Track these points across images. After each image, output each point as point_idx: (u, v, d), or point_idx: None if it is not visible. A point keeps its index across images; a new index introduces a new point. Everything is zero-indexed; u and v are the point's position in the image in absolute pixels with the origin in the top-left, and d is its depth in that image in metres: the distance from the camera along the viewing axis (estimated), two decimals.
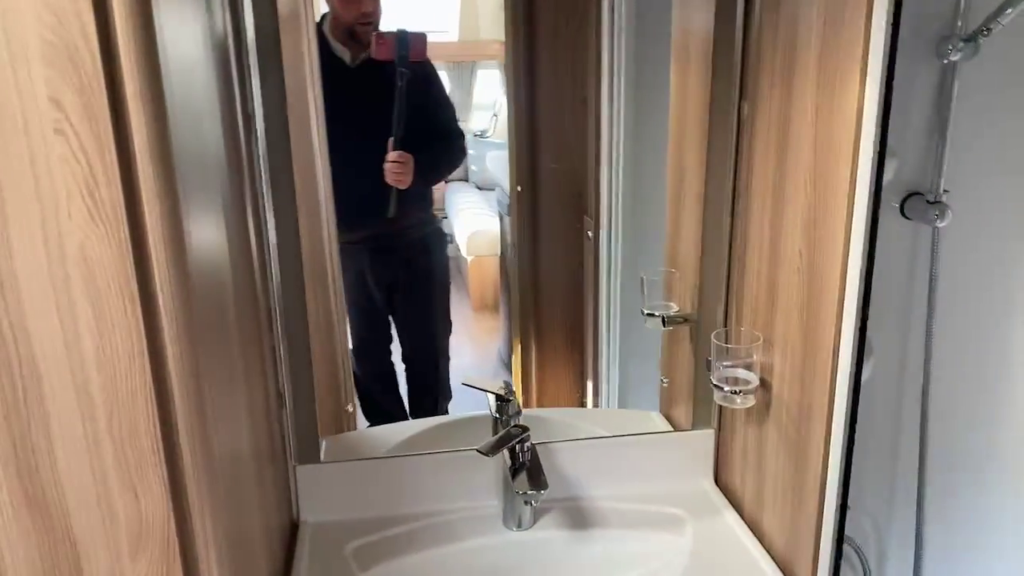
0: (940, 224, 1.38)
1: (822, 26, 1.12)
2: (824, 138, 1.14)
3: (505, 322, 4.10)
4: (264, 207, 1.35)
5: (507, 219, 3.88)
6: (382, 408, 2.79)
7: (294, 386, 1.44)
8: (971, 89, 1.36)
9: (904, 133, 1.40)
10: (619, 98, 2.06)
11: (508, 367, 3.92)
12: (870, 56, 1.04)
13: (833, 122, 1.12)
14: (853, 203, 1.11)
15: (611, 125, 2.09)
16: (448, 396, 2.78)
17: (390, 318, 2.78)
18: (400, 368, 2.82)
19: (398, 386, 2.83)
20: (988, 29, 1.28)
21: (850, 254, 1.12)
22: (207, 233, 0.89)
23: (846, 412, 1.17)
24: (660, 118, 1.71)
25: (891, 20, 1.01)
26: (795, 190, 1.22)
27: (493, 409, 1.46)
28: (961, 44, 1.29)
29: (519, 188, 2.36)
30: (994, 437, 1.63)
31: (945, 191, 1.40)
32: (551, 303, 2.47)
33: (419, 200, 2.62)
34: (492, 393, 1.48)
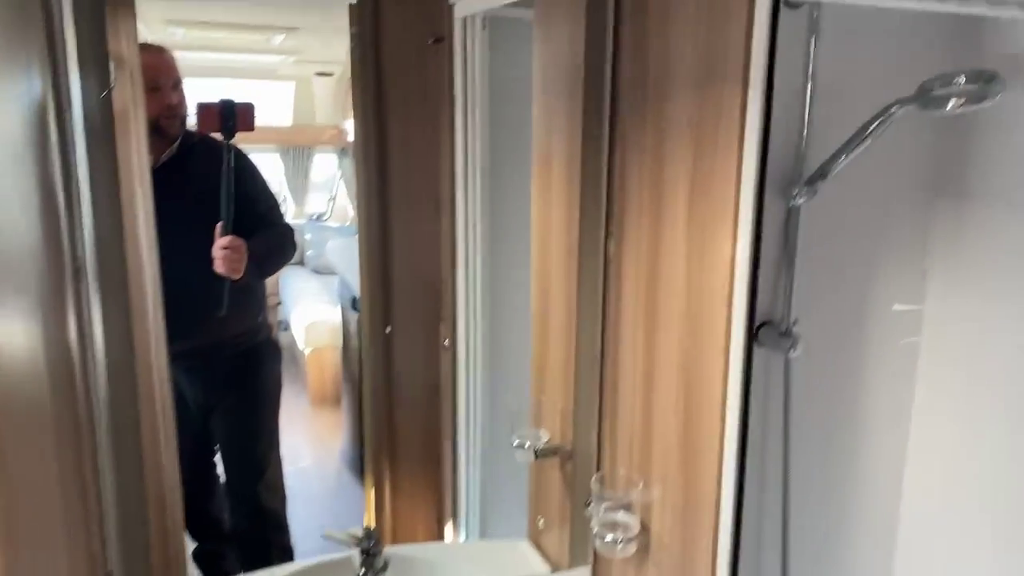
0: (793, 354, 1.46)
1: (691, 169, 1.16)
2: (697, 283, 1.17)
3: (349, 420, 3.86)
4: (89, 309, 1.14)
5: (350, 310, 3.66)
6: (209, 549, 2.48)
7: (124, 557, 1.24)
8: (814, 227, 1.47)
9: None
10: (475, 204, 2.05)
11: (356, 472, 3.64)
12: (741, 206, 1.08)
13: (706, 267, 1.15)
14: (729, 343, 1.13)
15: (467, 231, 2.07)
16: (285, 532, 2.51)
17: (215, 447, 2.46)
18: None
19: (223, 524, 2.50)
20: (825, 173, 1.40)
21: (728, 393, 1.14)
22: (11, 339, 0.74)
23: (729, 553, 1.17)
24: (522, 230, 1.69)
25: (759, 168, 1.07)
26: (668, 330, 1.24)
27: (358, 565, 1.32)
28: (804, 188, 1.40)
29: (369, 285, 2.22)
30: (849, 558, 1.70)
31: (795, 321, 1.48)
32: (407, 412, 2.33)
33: (250, 300, 2.38)
34: (358, 548, 1.34)
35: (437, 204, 2.24)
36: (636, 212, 1.30)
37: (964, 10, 1.15)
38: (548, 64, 1.48)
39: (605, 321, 1.42)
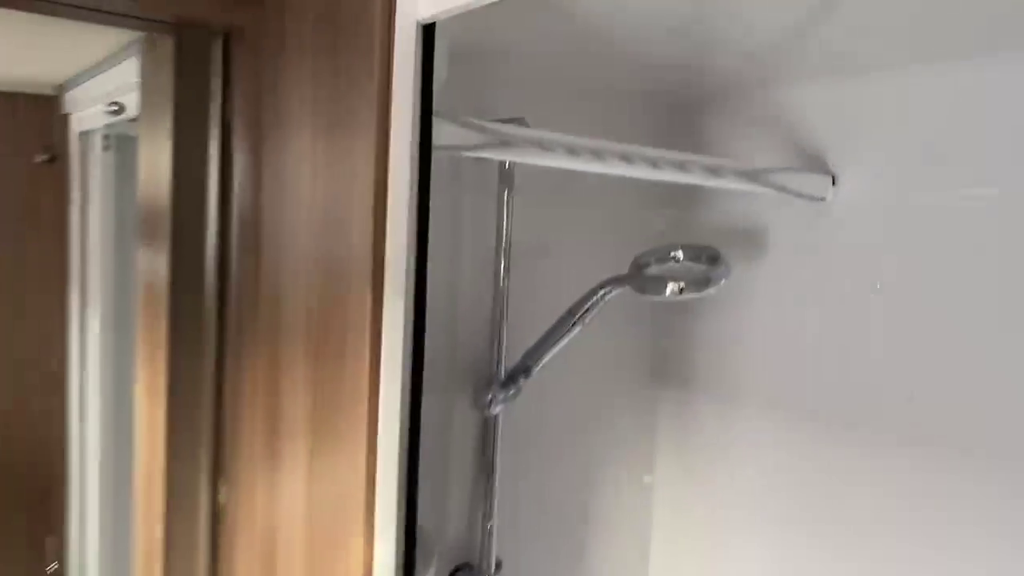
0: None
1: (310, 379, 0.75)
2: (322, 528, 0.73)
3: None
4: None
5: None
6: None
7: None
8: (518, 435, 1.13)
9: (446, 506, 1.09)
10: (92, 378, 1.49)
11: None
12: (381, 434, 0.68)
13: (332, 506, 0.72)
14: None
15: (81, 412, 1.51)
16: None
17: None
18: None
19: None
20: (528, 369, 1.07)
21: None
22: None
23: None
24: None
25: (410, 373, 0.68)
26: None
27: None
28: (501, 392, 1.05)
29: None
30: None
31: (498, 564, 1.10)
32: None
33: None
34: None
35: (53, 377, 1.64)
36: (249, 445, 0.85)
37: (682, 180, 0.90)
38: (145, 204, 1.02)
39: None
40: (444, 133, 0.64)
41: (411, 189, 0.65)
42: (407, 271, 0.65)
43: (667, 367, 1.29)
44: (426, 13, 0.60)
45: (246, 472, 0.87)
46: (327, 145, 0.71)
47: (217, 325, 0.90)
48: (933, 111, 0.98)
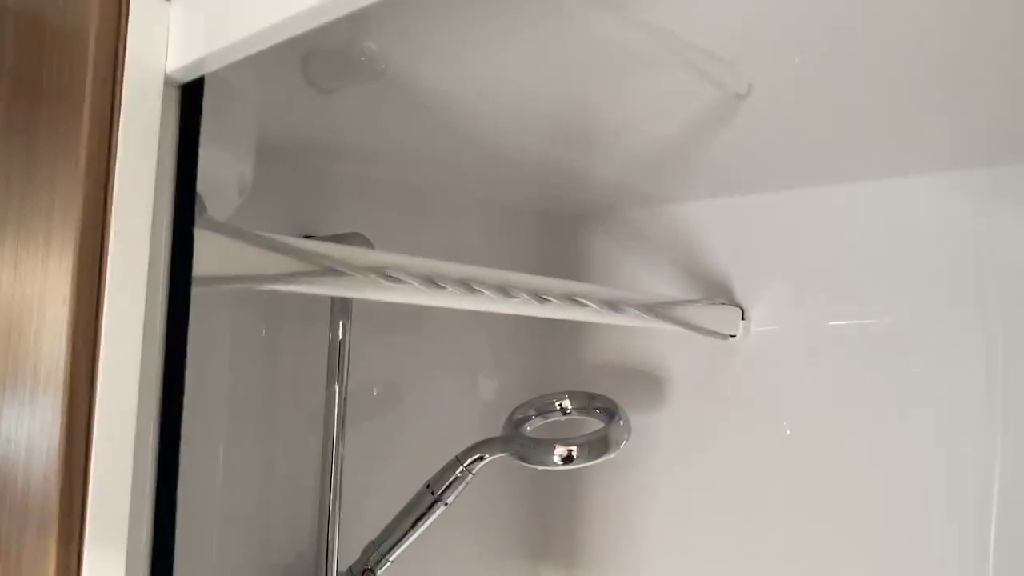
0: None
1: None
2: None
3: None
4: None
5: None
6: None
7: None
8: None
9: None
10: None
11: None
12: None
13: None
14: None
15: None
16: None
17: None
18: None
19: None
20: (372, 572, 0.79)
21: None
22: None
23: None
24: None
25: None
26: None
27: None
28: None
29: None
30: None
31: None
32: None
33: None
34: None
35: None
36: None
37: (575, 316, 0.68)
38: None
39: None
40: (215, 255, 0.39)
41: (148, 342, 0.38)
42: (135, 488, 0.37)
43: (551, 542, 1.03)
44: (179, 64, 0.35)
45: None
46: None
47: None
48: (842, 232, 0.84)
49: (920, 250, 0.78)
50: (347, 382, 0.83)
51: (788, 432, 0.89)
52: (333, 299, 0.84)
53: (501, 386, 0.98)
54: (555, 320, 1.02)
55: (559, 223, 1.05)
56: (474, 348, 0.99)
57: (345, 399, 0.83)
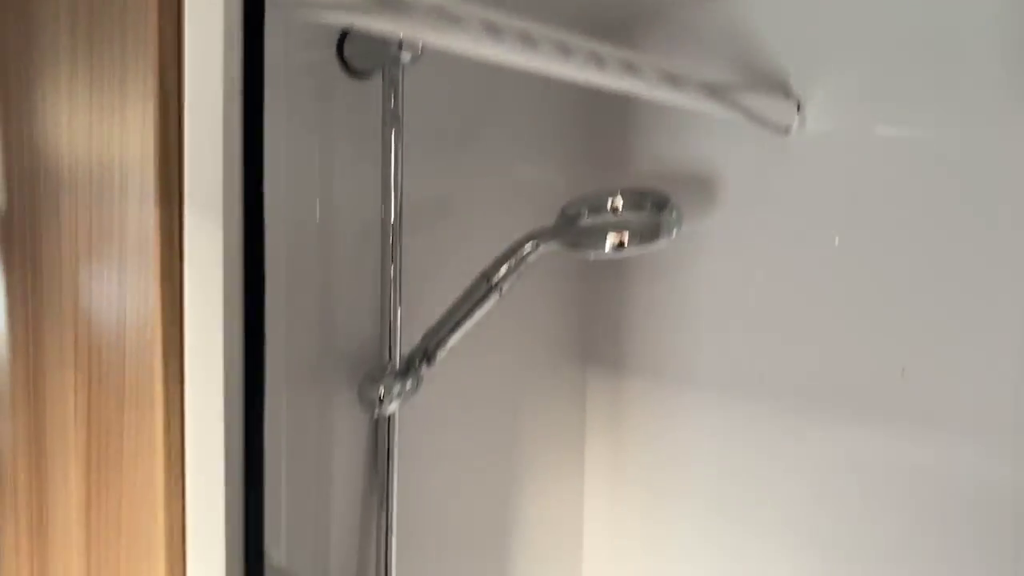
0: None
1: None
2: None
3: None
4: None
5: None
6: None
7: None
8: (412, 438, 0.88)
9: (328, 533, 0.82)
10: None
11: None
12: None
13: None
14: None
15: None
16: None
17: None
18: None
19: None
20: (430, 356, 0.82)
21: None
22: None
23: None
24: None
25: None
26: None
27: None
28: (396, 388, 0.79)
29: None
30: None
31: None
32: None
33: None
34: None
35: None
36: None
37: (631, 87, 0.67)
38: None
39: None
40: None
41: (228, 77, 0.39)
42: (227, 221, 0.40)
43: (599, 346, 1.07)
44: None
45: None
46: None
47: None
48: (903, 31, 0.80)
49: (977, 55, 0.75)
50: (401, 186, 0.84)
51: (837, 242, 0.89)
52: (383, 107, 0.84)
53: (549, 194, 0.99)
54: (605, 119, 1.02)
55: (608, 27, 1.02)
56: (522, 159, 0.99)
57: (401, 204, 0.84)
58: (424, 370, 0.83)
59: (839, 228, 0.88)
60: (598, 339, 1.07)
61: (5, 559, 0.63)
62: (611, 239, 0.80)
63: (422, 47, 0.80)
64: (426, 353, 0.83)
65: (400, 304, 0.84)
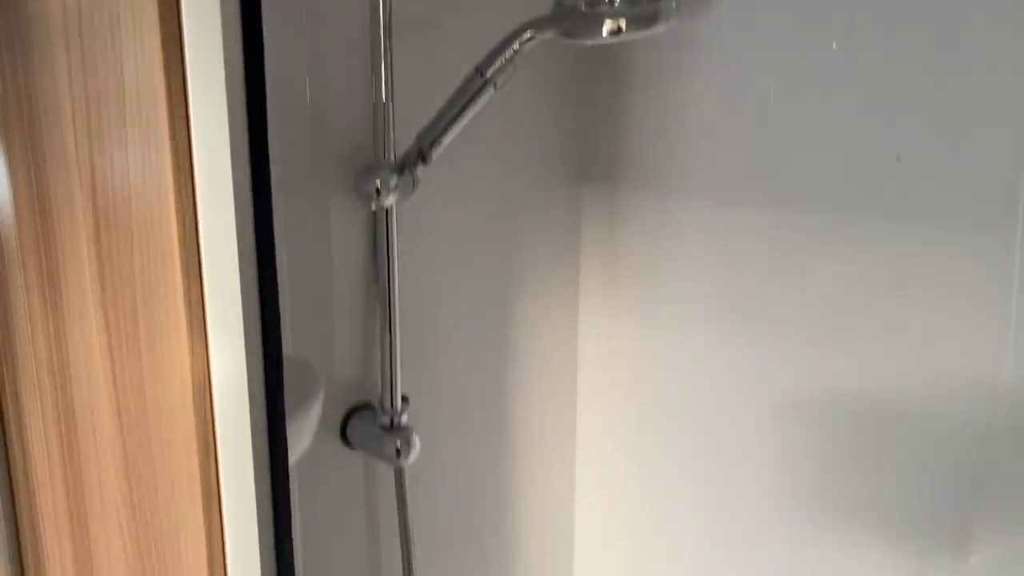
0: (406, 462, 0.86)
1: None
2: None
3: None
4: None
5: None
6: None
7: None
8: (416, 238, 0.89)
9: (331, 330, 0.85)
10: None
11: None
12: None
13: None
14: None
15: None
16: None
17: None
18: None
19: None
20: (425, 154, 0.82)
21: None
22: None
23: None
24: None
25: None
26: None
27: None
28: (393, 181, 0.79)
29: None
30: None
31: (404, 399, 0.88)
32: None
33: None
34: None
35: None
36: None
37: None
38: None
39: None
40: None
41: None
42: None
43: (596, 155, 1.06)
44: None
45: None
46: None
47: None
48: None
49: None
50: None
51: (834, 47, 0.87)
52: None
53: None
54: None
55: None
56: None
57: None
58: (420, 169, 0.84)
59: (837, 35, 0.86)
60: (596, 145, 1.05)
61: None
62: (608, 25, 0.77)
63: None
64: (421, 152, 0.83)
65: (392, 101, 0.83)
